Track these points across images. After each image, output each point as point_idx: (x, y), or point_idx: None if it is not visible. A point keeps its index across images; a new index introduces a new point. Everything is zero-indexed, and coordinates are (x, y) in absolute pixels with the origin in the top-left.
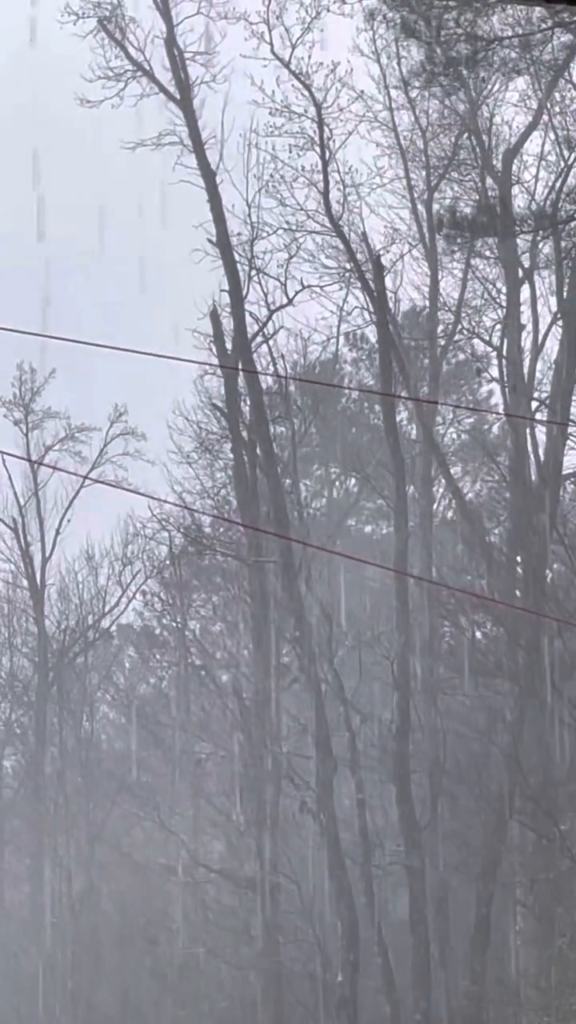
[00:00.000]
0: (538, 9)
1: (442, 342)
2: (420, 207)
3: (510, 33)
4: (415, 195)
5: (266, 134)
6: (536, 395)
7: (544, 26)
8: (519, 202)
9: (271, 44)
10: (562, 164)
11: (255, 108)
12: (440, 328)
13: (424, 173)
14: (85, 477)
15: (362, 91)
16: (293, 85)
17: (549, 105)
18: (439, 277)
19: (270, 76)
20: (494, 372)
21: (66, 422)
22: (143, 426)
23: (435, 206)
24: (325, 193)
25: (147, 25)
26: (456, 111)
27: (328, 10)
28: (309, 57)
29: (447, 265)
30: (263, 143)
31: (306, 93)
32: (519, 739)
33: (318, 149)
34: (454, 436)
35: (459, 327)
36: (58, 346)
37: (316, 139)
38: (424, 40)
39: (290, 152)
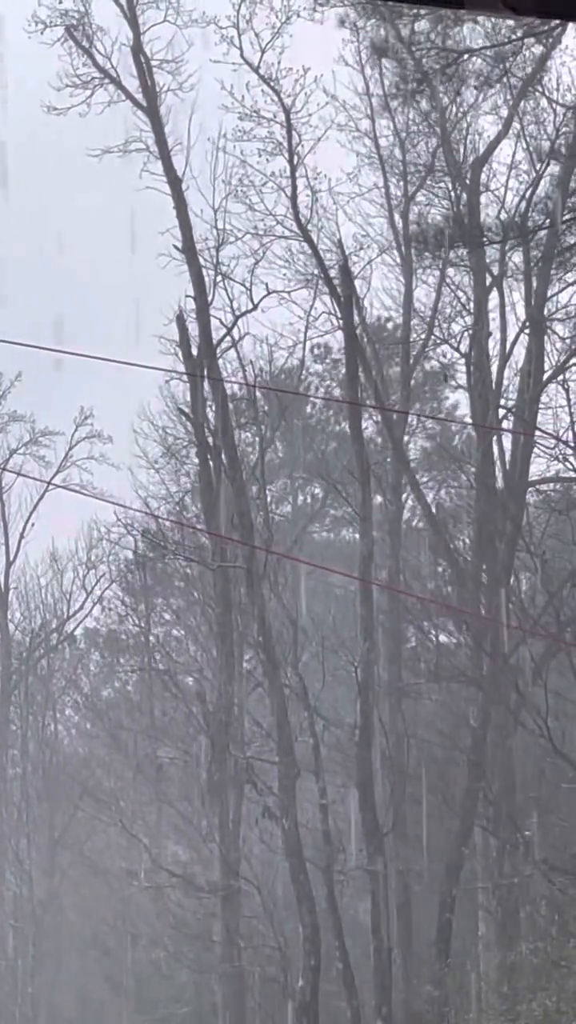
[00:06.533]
0: (509, 20)
1: (414, 351)
2: (396, 216)
3: (481, 44)
4: (391, 204)
5: (235, 139)
6: (503, 402)
7: (514, 37)
8: (489, 211)
9: (240, 49)
10: (533, 173)
11: (224, 113)
12: (411, 336)
13: (398, 180)
14: (49, 482)
15: (333, 96)
16: (263, 90)
17: (520, 114)
18: (413, 286)
19: (240, 81)
20: (462, 379)
21: (30, 426)
22: (108, 431)
23: (410, 215)
24: (293, 198)
25: (114, 33)
26: (430, 122)
27: (299, 15)
28: (279, 62)
29: (419, 274)
30: (231, 148)
31: (275, 98)
32: (483, 745)
33: (286, 154)
34: (422, 444)
35: (429, 335)
36: (21, 350)
37: (285, 144)
38: (394, 56)
39: (259, 157)
